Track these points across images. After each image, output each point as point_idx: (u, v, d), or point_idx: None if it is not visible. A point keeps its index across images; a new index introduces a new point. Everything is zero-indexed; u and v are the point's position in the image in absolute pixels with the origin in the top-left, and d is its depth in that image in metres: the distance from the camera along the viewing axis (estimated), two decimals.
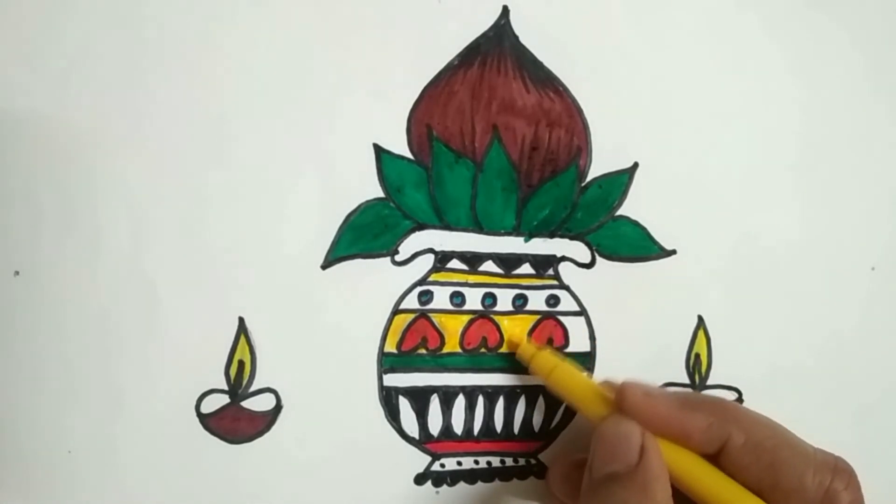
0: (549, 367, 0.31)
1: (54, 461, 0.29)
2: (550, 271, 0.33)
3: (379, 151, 0.30)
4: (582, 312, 0.33)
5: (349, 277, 0.31)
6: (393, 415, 0.32)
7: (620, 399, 0.28)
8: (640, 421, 0.28)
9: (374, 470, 0.32)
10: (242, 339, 0.30)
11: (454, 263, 0.32)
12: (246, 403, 0.30)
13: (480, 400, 0.32)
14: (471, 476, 0.33)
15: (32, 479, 0.29)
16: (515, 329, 0.33)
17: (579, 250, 0.33)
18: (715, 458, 0.28)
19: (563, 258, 0.33)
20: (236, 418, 0.30)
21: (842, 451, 0.28)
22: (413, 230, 0.31)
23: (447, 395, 0.32)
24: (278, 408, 0.30)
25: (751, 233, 0.34)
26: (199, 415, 0.30)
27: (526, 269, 0.33)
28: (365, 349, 0.31)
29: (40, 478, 0.29)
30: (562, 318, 0.33)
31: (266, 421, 0.30)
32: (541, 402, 0.33)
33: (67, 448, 0.29)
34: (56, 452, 0.29)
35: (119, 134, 0.28)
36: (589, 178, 0.32)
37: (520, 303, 0.33)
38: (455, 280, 0.32)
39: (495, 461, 0.33)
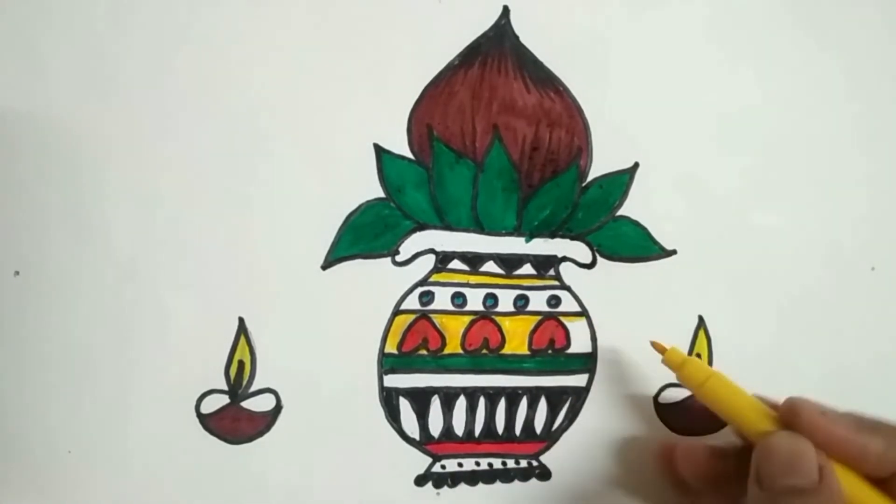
0: (704, 376, 0.30)
1: (54, 461, 0.29)
2: (551, 272, 0.33)
3: (379, 151, 0.31)
4: (583, 313, 0.33)
5: (349, 278, 0.31)
6: (393, 416, 0.31)
7: (793, 416, 0.28)
8: (814, 440, 0.27)
9: (375, 471, 0.31)
10: (242, 339, 0.30)
11: (455, 264, 0.32)
12: (246, 404, 0.30)
13: (482, 401, 0.32)
14: (472, 477, 0.33)
15: (32, 479, 0.29)
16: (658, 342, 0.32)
17: (580, 250, 0.33)
18: (883, 482, 0.27)
19: (564, 258, 0.33)
20: (236, 418, 0.30)
21: None
22: (414, 230, 0.31)
23: (448, 397, 0.32)
24: (278, 408, 0.30)
25: (751, 233, 0.34)
26: (199, 415, 0.30)
27: (527, 269, 0.32)
28: (365, 350, 0.31)
29: (40, 478, 0.29)
30: (563, 319, 0.33)
31: (266, 421, 0.30)
32: (542, 403, 0.33)
33: (67, 448, 0.29)
34: (56, 452, 0.29)
35: (120, 134, 0.29)
36: (589, 179, 0.32)
37: (521, 303, 0.32)
38: (456, 280, 0.32)
39: (496, 462, 0.33)
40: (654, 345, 0.32)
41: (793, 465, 0.27)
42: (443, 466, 0.32)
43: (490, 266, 0.32)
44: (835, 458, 0.28)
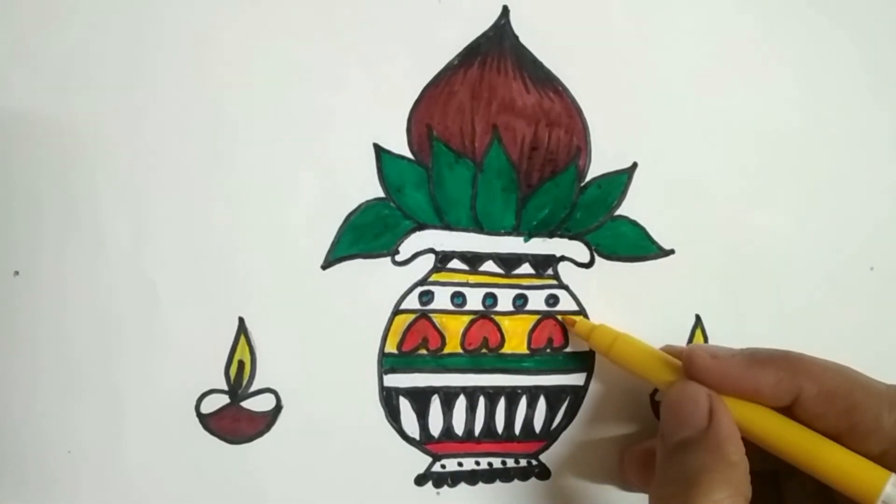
0: (610, 339, 0.31)
1: (54, 461, 0.29)
2: (550, 271, 0.33)
3: (379, 151, 0.31)
4: (581, 312, 0.33)
5: (349, 277, 0.31)
6: (393, 415, 0.31)
7: (688, 364, 0.29)
8: (709, 384, 0.28)
9: (375, 471, 0.32)
10: (242, 339, 0.30)
11: (455, 263, 0.32)
12: (246, 403, 0.30)
13: (481, 401, 0.32)
14: (472, 477, 0.33)
15: (32, 479, 0.29)
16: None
17: (578, 250, 0.33)
18: (788, 410, 0.28)
19: (563, 258, 0.33)
20: (236, 418, 0.30)
21: None
22: (413, 230, 0.31)
23: (448, 396, 0.32)
24: (278, 408, 0.30)
25: (749, 232, 0.34)
26: (199, 415, 0.30)
27: (526, 268, 0.33)
28: (365, 349, 0.31)
29: (40, 478, 0.29)
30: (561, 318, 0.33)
31: (266, 421, 0.30)
32: (542, 402, 0.33)
33: (67, 448, 0.29)
34: (56, 452, 0.29)
35: (119, 134, 0.28)
36: (588, 178, 0.32)
37: (520, 303, 0.33)
38: (456, 280, 0.32)
39: (496, 462, 0.33)
40: (564, 319, 0.33)
41: (682, 416, 0.27)
42: (443, 466, 0.32)
43: (489, 266, 0.32)
44: (734, 397, 0.28)
